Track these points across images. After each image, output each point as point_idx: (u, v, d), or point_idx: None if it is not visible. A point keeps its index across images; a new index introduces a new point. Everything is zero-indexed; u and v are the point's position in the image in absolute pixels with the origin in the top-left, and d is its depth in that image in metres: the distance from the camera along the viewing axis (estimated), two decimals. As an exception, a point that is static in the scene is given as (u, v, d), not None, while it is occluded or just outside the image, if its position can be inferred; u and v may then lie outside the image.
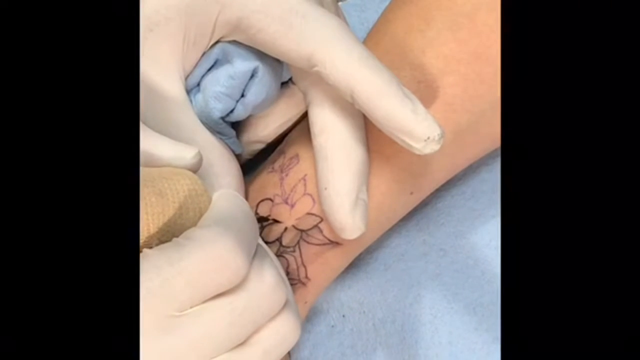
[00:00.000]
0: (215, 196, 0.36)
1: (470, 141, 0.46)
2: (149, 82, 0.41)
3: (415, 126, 0.39)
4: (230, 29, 0.41)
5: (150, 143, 0.37)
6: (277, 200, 0.45)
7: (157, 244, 0.34)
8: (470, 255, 0.50)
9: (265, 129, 0.46)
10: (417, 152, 0.40)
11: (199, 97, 0.43)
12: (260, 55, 0.42)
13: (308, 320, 0.49)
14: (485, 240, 0.51)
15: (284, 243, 0.44)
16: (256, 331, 0.35)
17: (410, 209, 0.47)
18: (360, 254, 0.48)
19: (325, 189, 0.42)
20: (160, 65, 0.41)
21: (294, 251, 0.44)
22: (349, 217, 0.41)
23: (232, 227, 0.34)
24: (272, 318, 0.35)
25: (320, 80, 0.41)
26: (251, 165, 0.48)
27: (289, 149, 0.46)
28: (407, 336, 0.49)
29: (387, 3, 0.48)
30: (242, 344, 0.34)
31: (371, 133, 0.43)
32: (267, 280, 0.35)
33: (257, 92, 0.43)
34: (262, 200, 0.45)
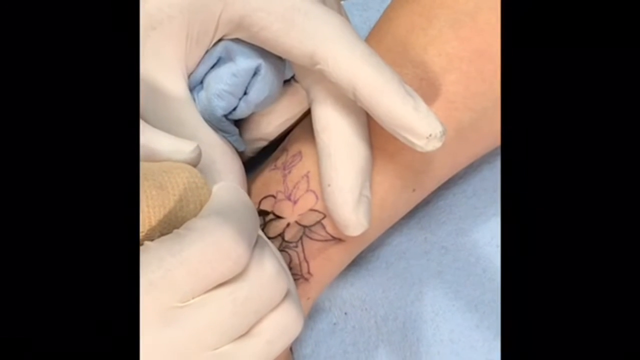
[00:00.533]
0: (215, 188, 0.36)
1: (472, 139, 0.46)
2: (152, 80, 0.41)
3: (417, 123, 0.39)
4: (233, 26, 0.42)
5: (150, 138, 0.37)
6: (280, 196, 0.45)
7: (158, 237, 0.34)
8: (472, 253, 0.50)
9: (268, 127, 0.46)
10: (419, 150, 0.40)
11: (202, 94, 0.43)
12: (263, 53, 0.42)
13: (310, 317, 0.49)
14: (486, 238, 0.51)
15: (286, 238, 0.44)
16: (258, 322, 0.35)
17: (412, 206, 0.47)
18: (362, 252, 0.48)
19: (329, 185, 0.42)
20: (163, 63, 0.41)
21: (296, 246, 0.44)
22: (352, 214, 0.42)
23: (232, 217, 0.34)
24: (274, 308, 0.35)
25: (323, 78, 0.41)
26: (254, 163, 0.48)
27: (291, 146, 0.46)
28: (409, 334, 0.49)
29: (388, 2, 0.48)
30: (244, 334, 0.34)
31: (374, 130, 0.43)
32: (267, 270, 0.35)
33: (259, 89, 0.43)
34: (264, 197, 0.45)
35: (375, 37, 0.46)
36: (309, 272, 0.44)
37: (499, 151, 0.50)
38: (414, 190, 0.46)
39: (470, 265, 0.50)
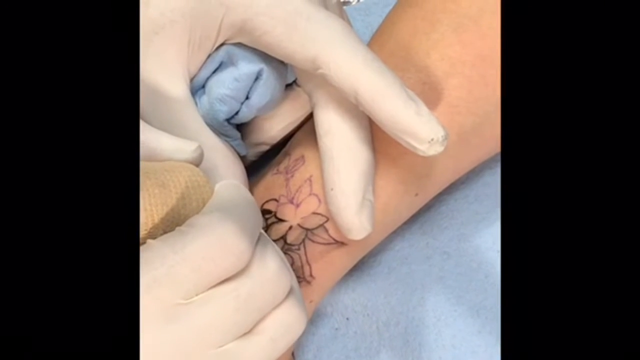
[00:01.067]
0: (217, 186, 0.36)
1: (475, 143, 0.46)
2: (155, 84, 0.41)
3: (419, 128, 0.39)
4: (235, 31, 0.42)
5: (151, 138, 0.37)
6: (282, 200, 0.45)
7: (161, 235, 0.34)
8: (474, 259, 0.50)
9: (270, 131, 0.46)
10: (421, 154, 0.40)
11: (204, 99, 0.43)
12: (265, 57, 0.43)
13: (312, 322, 0.49)
14: (488, 243, 0.51)
15: (288, 241, 0.44)
16: (262, 319, 0.35)
17: (414, 211, 0.47)
18: (364, 257, 0.48)
19: (332, 189, 0.42)
20: (165, 68, 0.41)
21: (298, 249, 0.44)
22: (355, 218, 0.41)
23: (234, 213, 0.34)
24: (277, 306, 0.35)
25: (325, 82, 0.41)
26: (256, 167, 0.48)
27: (294, 150, 0.46)
28: (411, 339, 0.49)
29: (390, 7, 0.48)
30: (248, 332, 0.34)
31: (376, 134, 0.43)
32: (270, 266, 0.35)
33: (261, 94, 0.43)
34: (267, 201, 0.45)
35: (377, 41, 0.46)
36: (311, 275, 0.44)
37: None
38: (416, 194, 0.46)
39: (472, 271, 0.50)
